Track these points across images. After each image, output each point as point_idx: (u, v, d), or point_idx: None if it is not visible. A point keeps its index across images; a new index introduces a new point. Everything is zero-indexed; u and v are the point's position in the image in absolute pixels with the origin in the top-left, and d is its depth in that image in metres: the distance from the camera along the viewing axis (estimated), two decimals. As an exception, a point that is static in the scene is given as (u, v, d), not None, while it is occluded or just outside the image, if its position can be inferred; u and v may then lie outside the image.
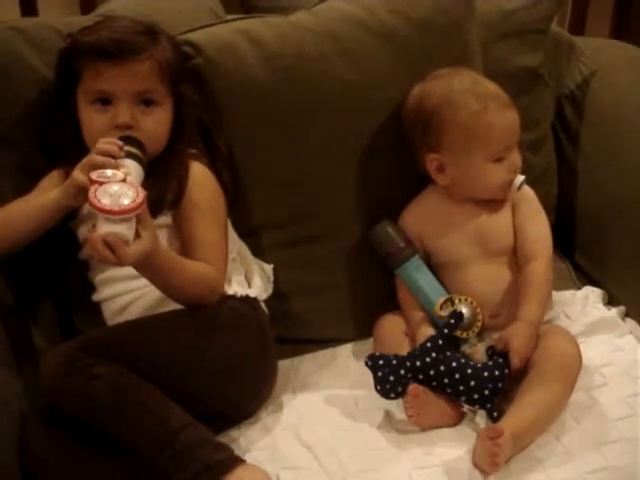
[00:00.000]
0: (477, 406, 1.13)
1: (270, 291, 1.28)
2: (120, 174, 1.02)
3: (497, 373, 1.13)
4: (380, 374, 1.14)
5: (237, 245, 1.28)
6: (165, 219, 1.17)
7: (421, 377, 1.14)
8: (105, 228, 0.99)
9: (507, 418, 1.09)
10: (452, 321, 1.19)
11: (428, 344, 1.17)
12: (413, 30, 1.33)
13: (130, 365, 1.05)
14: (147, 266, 1.06)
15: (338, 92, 1.30)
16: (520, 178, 1.25)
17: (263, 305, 1.25)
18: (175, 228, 1.18)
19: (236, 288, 1.20)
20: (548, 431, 1.11)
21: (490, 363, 1.15)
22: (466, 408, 1.16)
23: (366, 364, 1.15)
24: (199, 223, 1.17)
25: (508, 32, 1.48)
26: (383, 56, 1.31)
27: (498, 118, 1.23)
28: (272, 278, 1.30)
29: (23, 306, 1.22)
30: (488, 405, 1.12)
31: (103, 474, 1.06)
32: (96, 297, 1.23)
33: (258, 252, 1.32)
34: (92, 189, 1.00)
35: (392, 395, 1.14)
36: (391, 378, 1.13)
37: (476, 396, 1.12)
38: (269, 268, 1.31)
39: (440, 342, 1.16)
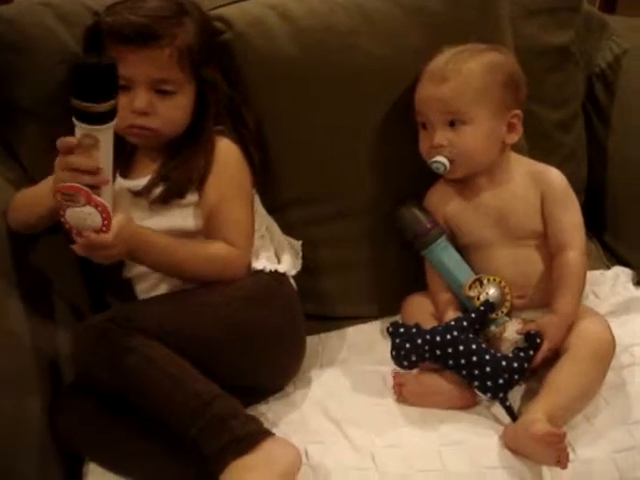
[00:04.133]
0: (489, 394, 1.12)
1: (299, 267, 1.28)
2: (82, 197, 0.99)
3: (515, 365, 1.12)
4: (398, 341, 1.14)
5: (266, 221, 1.29)
6: (192, 197, 1.18)
7: (438, 353, 1.14)
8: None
9: (541, 400, 1.09)
10: (482, 308, 1.19)
11: (452, 322, 1.17)
12: (444, 5, 1.32)
13: (160, 338, 1.05)
14: (133, 245, 1.07)
15: (368, 67, 1.29)
16: (437, 158, 1.23)
17: (292, 280, 1.25)
18: (202, 206, 1.18)
19: (265, 263, 1.20)
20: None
21: (510, 355, 1.14)
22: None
23: (387, 330, 1.16)
24: (222, 199, 1.17)
25: (538, 9, 1.47)
26: (413, 31, 1.31)
27: (420, 88, 1.27)
28: (301, 254, 1.31)
29: (55, 281, 1.24)
30: (500, 395, 1.12)
31: (133, 446, 1.08)
32: (127, 274, 1.24)
33: (286, 228, 1.32)
34: (61, 211, 1.01)
35: (405, 363, 1.14)
36: (407, 345, 1.13)
37: (489, 383, 1.11)
38: (298, 244, 1.32)
39: (464, 324, 1.16)
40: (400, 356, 1.14)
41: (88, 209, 1.00)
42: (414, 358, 1.14)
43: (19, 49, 1.22)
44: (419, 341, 1.14)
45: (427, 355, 1.14)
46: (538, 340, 1.14)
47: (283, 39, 1.27)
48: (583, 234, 1.25)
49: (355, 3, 1.30)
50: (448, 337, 1.14)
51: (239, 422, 1.01)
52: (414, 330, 1.15)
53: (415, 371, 1.17)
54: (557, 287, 1.20)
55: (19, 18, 1.23)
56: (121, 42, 1.11)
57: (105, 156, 1.01)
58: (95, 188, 1.00)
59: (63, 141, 0.99)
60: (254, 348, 1.13)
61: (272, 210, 1.31)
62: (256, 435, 1.01)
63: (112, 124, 1.00)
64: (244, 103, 1.26)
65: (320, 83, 1.29)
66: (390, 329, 1.16)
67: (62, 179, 1.00)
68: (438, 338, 1.14)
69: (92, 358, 1.05)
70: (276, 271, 1.21)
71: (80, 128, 0.98)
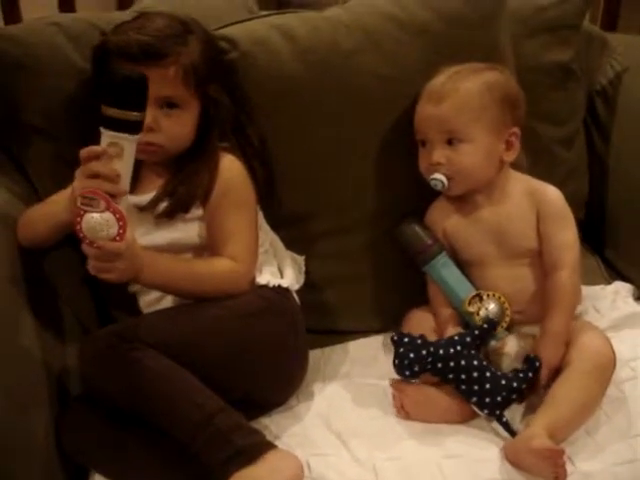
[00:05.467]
0: (486, 411, 1.13)
1: (302, 282, 1.29)
2: (102, 202, 1.01)
3: (514, 385, 1.13)
4: (402, 350, 1.15)
5: (270, 237, 1.30)
6: (196, 212, 1.20)
7: (440, 365, 1.14)
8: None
9: (542, 415, 1.09)
10: (485, 326, 1.20)
11: (456, 337, 1.18)
12: (445, 25, 1.33)
13: (165, 351, 1.06)
14: (141, 263, 1.09)
15: (370, 85, 1.31)
16: (435, 176, 1.25)
17: (295, 295, 1.26)
18: (207, 221, 1.20)
19: (268, 278, 1.22)
20: (579, 426, 1.12)
21: (510, 374, 1.15)
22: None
23: (391, 338, 1.17)
24: (226, 214, 1.19)
25: (539, 27, 1.49)
26: (415, 50, 1.32)
27: (419, 107, 1.28)
28: (304, 269, 1.32)
29: (62, 294, 1.26)
30: (497, 412, 1.12)
31: (139, 459, 1.09)
32: (132, 288, 1.25)
33: (290, 243, 1.33)
34: (78, 218, 1.02)
35: (407, 373, 1.15)
36: (411, 355, 1.14)
37: (487, 400, 1.12)
38: (301, 259, 1.33)
39: (468, 339, 1.17)
40: (403, 365, 1.15)
41: (106, 215, 1.01)
42: (416, 368, 1.15)
43: (28, 68, 1.24)
44: (423, 352, 1.14)
45: (429, 367, 1.15)
46: (537, 363, 1.15)
47: (287, 58, 1.29)
48: (576, 253, 1.25)
49: (358, 23, 1.32)
50: (451, 351, 1.15)
51: (242, 434, 1.02)
52: (419, 341, 1.16)
53: (414, 381, 1.18)
54: (549, 307, 1.20)
55: (28, 37, 1.25)
56: (127, 60, 1.13)
57: (126, 168, 1.03)
58: (113, 197, 1.02)
59: (89, 149, 1.02)
60: (257, 362, 1.14)
61: (275, 225, 1.32)
62: (259, 447, 1.02)
63: (137, 137, 1.02)
64: (248, 120, 1.27)
65: (323, 101, 1.30)
66: (395, 338, 1.16)
67: (83, 186, 1.02)
68: (441, 351, 1.15)
69: (98, 370, 1.07)
70: (279, 286, 1.22)
71: (107, 136, 1.01)
